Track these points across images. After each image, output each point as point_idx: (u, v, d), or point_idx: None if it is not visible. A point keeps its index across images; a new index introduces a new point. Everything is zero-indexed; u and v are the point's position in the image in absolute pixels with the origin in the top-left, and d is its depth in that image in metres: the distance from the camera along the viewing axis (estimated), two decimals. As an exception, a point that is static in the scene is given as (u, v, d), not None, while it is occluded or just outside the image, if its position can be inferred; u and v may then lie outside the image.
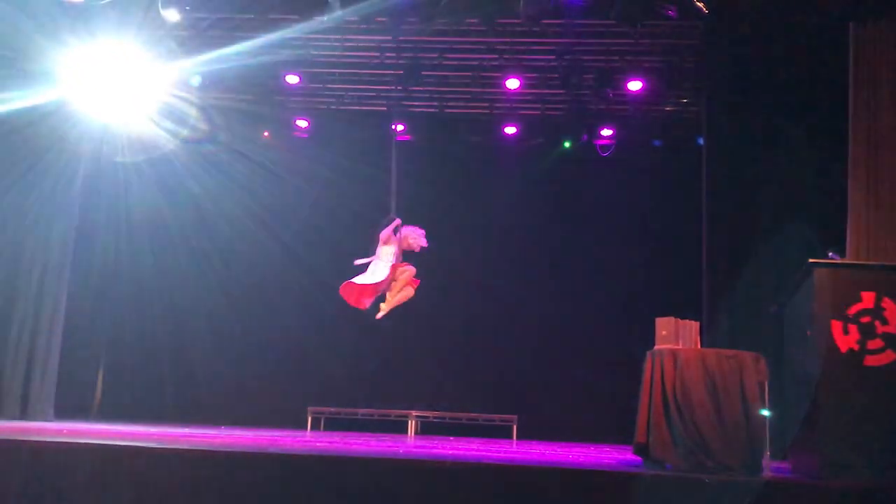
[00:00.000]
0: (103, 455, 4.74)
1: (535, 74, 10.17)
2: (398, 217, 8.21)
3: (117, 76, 10.18)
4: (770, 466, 5.23)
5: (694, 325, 5.69)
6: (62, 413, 9.43)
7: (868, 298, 4.89)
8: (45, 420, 8.71)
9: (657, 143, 11.02)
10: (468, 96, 10.91)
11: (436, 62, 10.13)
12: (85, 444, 4.91)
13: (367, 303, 7.97)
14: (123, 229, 11.51)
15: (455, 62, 10.23)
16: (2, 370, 8.80)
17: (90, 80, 9.68)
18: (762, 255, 8.34)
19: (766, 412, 5.17)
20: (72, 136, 9.48)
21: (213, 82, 10.31)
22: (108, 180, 11.23)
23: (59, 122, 9.39)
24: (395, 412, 10.31)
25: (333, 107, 11.33)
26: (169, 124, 11.32)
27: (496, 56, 10.00)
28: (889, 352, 4.81)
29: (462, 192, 11.40)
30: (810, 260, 5.03)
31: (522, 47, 9.86)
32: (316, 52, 10.15)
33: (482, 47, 9.94)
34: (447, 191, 11.35)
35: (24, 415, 8.62)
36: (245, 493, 4.58)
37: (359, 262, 8.00)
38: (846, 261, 6.04)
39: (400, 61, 10.07)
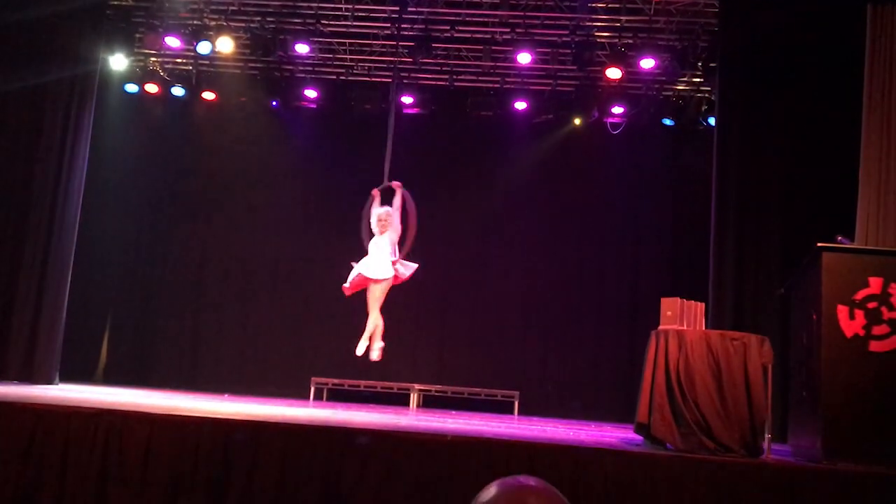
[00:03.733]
0: (108, 420, 4.77)
1: (547, 49, 10.09)
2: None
3: (123, 47, 10.18)
4: (771, 449, 5.23)
5: (699, 307, 5.68)
6: (67, 377, 9.49)
7: (875, 284, 4.86)
8: (50, 383, 8.76)
9: (668, 122, 10.93)
10: (479, 70, 10.83)
11: (447, 35, 10.05)
12: (89, 408, 4.93)
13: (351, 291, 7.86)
14: (133, 194, 11.52)
15: (467, 35, 10.14)
16: (7, 333, 8.83)
17: (101, 46, 9.68)
18: (770, 238, 8.30)
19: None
20: (83, 103, 9.47)
21: (221, 50, 10.24)
22: (119, 145, 11.22)
23: (69, 90, 9.38)
24: (397, 385, 10.35)
25: (343, 77, 11.26)
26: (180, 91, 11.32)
27: (508, 30, 9.91)
28: (894, 338, 4.79)
29: (470, 167, 11.36)
30: (819, 244, 5.00)
31: (535, 21, 9.77)
32: (326, 22, 10.08)
33: (494, 20, 9.86)
34: (455, 164, 11.31)
35: (28, 378, 8.67)
36: (247, 461, 4.61)
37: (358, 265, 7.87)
38: (855, 245, 6.00)
39: (403, 31, 9.98)
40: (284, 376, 11.02)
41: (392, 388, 10.34)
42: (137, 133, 11.45)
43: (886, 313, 4.82)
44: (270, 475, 4.57)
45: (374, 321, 7.82)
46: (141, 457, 4.66)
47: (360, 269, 7.72)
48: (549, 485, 1.51)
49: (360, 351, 7.86)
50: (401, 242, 7.89)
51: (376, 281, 7.71)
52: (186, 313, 11.44)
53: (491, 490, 1.49)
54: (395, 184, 8.06)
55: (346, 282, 7.81)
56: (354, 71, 11.16)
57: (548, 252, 11.17)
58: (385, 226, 7.79)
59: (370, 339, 7.85)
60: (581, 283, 11.06)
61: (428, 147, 11.12)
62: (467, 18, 9.87)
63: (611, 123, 11.06)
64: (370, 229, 7.93)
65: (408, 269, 7.81)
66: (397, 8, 9.25)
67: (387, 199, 8.18)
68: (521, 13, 9.66)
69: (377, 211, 7.90)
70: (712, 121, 9.75)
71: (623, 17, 9.56)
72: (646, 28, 9.65)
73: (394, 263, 7.70)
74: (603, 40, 9.89)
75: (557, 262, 11.12)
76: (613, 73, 9.93)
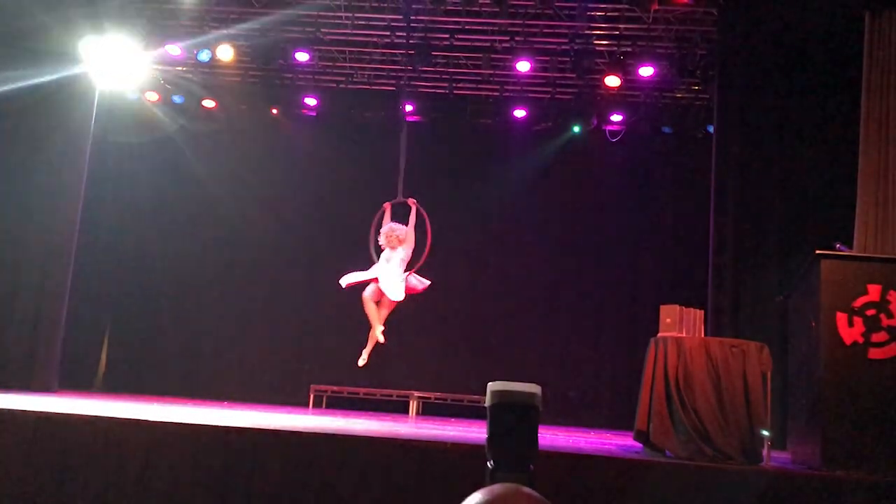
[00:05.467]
0: (107, 428, 4.77)
1: (546, 58, 10.11)
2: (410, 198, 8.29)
3: (123, 54, 10.16)
4: (770, 456, 5.23)
5: (698, 314, 5.68)
6: (66, 385, 9.48)
7: (874, 291, 4.87)
8: (49, 391, 8.74)
9: (667, 130, 10.96)
10: (478, 78, 10.86)
11: (447, 43, 10.07)
12: (89, 416, 4.93)
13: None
14: (129, 205, 11.51)
15: (466, 43, 10.17)
16: (7, 342, 8.82)
17: (100, 55, 9.68)
18: (769, 245, 8.32)
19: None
20: (78, 114, 9.48)
21: (221, 58, 10.26)
22: (118, 154, 11.23)
23: (68, 98, 9.39)
24: (396, 392, 10.34)
25: (342, 85, 11.29)
26: (180, 100, 11.34)
27: (507, 38, 9.94)
28: (893, 345, 4.79)
29: (470, 175, 11.37)
30: (817, 251, 5.01)
31: (534, 30, 9.80)
32: (326, 30, 10.10)
33: (494, 29, 9.88)
34: (455, 172, 11.32)
35: (28, 386, 8.66)
36: (246, 470, 4.61)
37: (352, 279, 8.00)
38: (853, 253, 6.01)
39: (410, 41, 10.01)
40: (284, 384, 11.03)
41: (391, 396, 10.33)
42: (137, 141, 11.46)
43: (885, 320, 4.82)
44: (269, 483, 4.56)
45: (378, 334, 8.02)
46: (140, 465, 4.65)
47: (379, 279, 7.83)
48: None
49: (362, 362, 8.13)
50: (414, 257, 8.04)
51: (392, 301, 7.91)
52: (186, 321, 11.43)
53: (476, 496, 1.51)
54: (411, 200, 8.19)
55: (347, 276, 7.94)
56: (354, 79, 11.19)
57: (547, 259, 11.18)
58: (398, 242, 7.93)
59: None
60: (580, 290, 11.06)
61: (427, 154, 11.12)
62: (467, 27, 9.89)
63: (610, 131, 11.09)
64: (377, 241, 8.03)
65: (422, 283, 8.01)
66: (399, 17, 9.29)
67: (398, 213, 8.29)
68: (521, 21, 9.68)
69: (391, 226, 7.99)
70: (711, 128, 9.77)
71: (622, 26, 9.59)
72: (644, 36, 9.68)
73: (408, 275, 7.84)
74: (602, 48, 9.92)
75: (557, 270, 11.13)
76: (612, 80, 9.96)
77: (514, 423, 3.04)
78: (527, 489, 1.52)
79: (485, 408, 3.17)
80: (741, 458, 4.96)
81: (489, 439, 3.08)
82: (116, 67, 10.38)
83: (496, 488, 1.52)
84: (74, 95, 9.43)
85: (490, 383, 3.16)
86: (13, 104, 9.07)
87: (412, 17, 9.49)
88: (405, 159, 8.69)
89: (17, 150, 9.26)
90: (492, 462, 3.02)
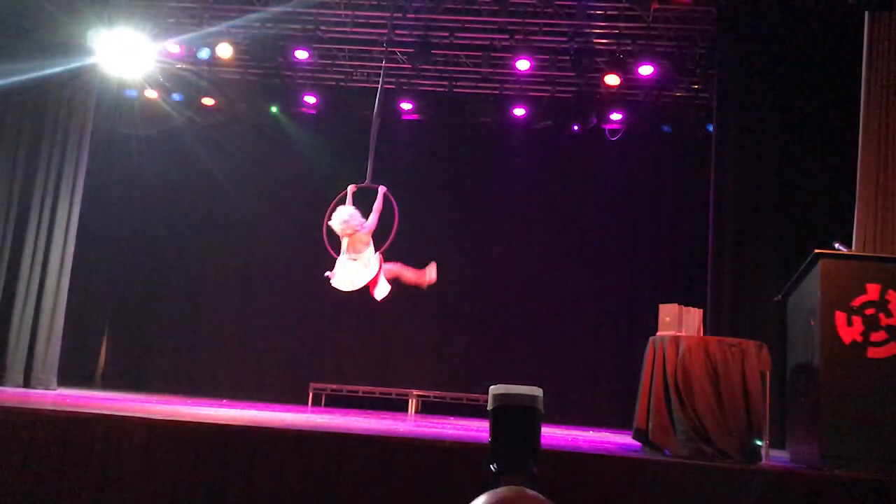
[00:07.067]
0: (106, 425, 4.76)
1: (545, 56, 10.11)
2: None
3: (129, 47, 10.13)
4: (769, 455, 5.23)
5: (697, 313, 5.69)
6: (65, 382, 9.48)
7: (873, 290, 4.87)
8: (49, 388, 8.74)
9: (666, 128, 10.96)
10: (478, 76, 10.85)
11: (446, 41, 10.07)
12: (87, 413, 4.93)
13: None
14: (132, 199, 11.52)
15: (465, 41, 10.17)
16: (6, 338, 8.82)
17: (102, 50, 9.66)
18: (768, 244, 8.32)
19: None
20: (83, 106, 9.47)
21: (221, 56, 10.25)
22: (118, 150, 11.22)
23: (70, 92, 9.37)
24: (395, 391, 10.34)
25: (342, 83, 11.28)
26: (179, 97, 11.32)
27: (507, 37, 9.93)
28: (892, 344, 4.80)
29: (469, 173, 11.37)
30: (816, 250, 5.01)
31: (534, 28, 9.80)
32: (326, 28, 10.09)
33: (493, 27, 9.88)
34: (454, 171, 11.32)
35: (27, 383, 8.66)
36: (245, 467, 4.61)
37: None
38: (852, 252, 6.00)
39: (410, 39, 10.00)
40: (283, 382, 11.03)
41: (390, 394, 10.33)
42: (136, 138, 11.45)
43: (884, 320, 4.82)
44: (269, 481, 4.57)
45: (397, 271, 7.47)
46: (139, 462, 4.65)
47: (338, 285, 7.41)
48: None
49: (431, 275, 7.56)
50: (377, 241, 7.60)
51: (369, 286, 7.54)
52: (185, 319, 11.43)
53: (483, 499, 1.51)
54: (382, 188, 7.82)
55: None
56: (354, 77, 11.18)
57: (546, 258, 11.18)
58: (349, 229, 7.35)
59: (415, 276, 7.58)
60: (580, 288, 11.06)
61: (427, 153, 11.13)
62: (466, 25, 9.89)
63: (609, 130, 11.08)
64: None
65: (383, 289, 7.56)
66: (398, 14, 9.28)
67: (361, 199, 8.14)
68: (520, 20, 9.68)
69: (347, 211, 7.46)
70: (710, 128, 9.77)
71: (621, 24, 9.59)
72: (644, 35, 9.68)
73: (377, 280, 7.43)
74: (601, 47, 9.91)
75: (556, 268, 11.13)
76: (612, 79, 9.96)
77: (516, 425, 3.03)
78: (532, 492, 1.52)
79: (484, 406, 3.16)
80: (740, 457, 4.96)
81: (491, 442, 3.06)
82: (116, 66, 10.36)
83: (502, 491, 1.52)
84: (79, 88, 9.41)
85: (492, 387, 3.14)
86: (19, 96, 9.06)
87: (411, 16, 9.49)
88: (375, 142, 8.33)
89: (22, 144, 9.24)
90: (494, 465, 3.01)
